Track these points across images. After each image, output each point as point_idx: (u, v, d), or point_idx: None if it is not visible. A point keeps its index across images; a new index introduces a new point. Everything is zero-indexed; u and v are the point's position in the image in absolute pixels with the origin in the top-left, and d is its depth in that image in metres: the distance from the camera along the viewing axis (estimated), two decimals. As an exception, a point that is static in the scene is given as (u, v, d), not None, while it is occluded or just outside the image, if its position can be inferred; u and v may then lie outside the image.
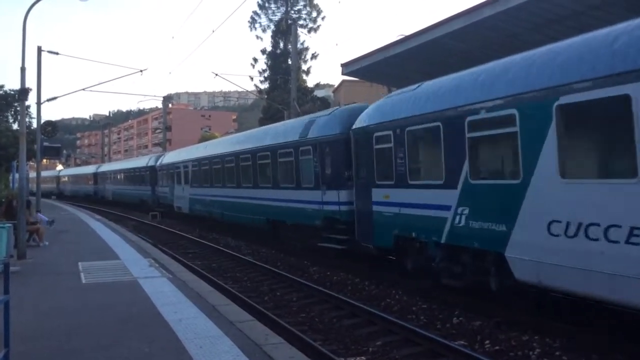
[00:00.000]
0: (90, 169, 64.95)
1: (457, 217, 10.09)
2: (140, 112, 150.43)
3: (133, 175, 44.04)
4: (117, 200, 49.00)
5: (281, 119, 31.98)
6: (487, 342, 8.40)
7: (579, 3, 14.83)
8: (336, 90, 65.25)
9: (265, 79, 56.22)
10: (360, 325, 9.73)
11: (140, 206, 40.62)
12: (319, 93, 58.78)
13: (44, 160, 42.51)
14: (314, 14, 56.28)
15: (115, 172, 51.86)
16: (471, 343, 8.42)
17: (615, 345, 7.71)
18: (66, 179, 77.23)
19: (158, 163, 36.92)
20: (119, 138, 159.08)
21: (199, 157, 28.05)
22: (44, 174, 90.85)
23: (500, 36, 17.19)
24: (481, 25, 16.79)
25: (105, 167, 58.73)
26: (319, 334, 9.35)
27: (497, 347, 8.16)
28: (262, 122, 46.10)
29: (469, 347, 8.18)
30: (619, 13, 13.59)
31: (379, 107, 13.35)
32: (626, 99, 6.96)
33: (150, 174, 38.62)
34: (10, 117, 40.65)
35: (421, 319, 9.93)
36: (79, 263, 13.77)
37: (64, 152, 66.12)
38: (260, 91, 56.54)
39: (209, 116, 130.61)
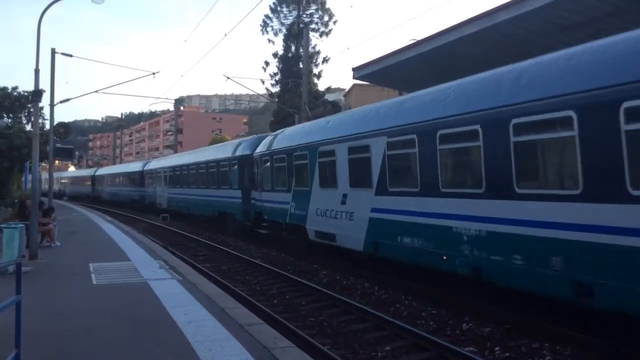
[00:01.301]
0: (135, 167, 49.92)
1: None
2: (152, 115, 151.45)
3: (205, 173, 29.49)
4: (178, 211, 34.53)
5: (292, 123, 31.98)
6: (497, 348, 8.35)
7: (594, 9, 14.76)
8: (347, 94, 65.22)
9: (277, 82, 56.32)
10: (369, 330, 9.71)
11: (221, 223, 26.85)
12: (329, 97, 58.75)
13: (56, 162, 42.79)
14: (326, 18, 56.32)
15: (174, 169, 35.81)
16: (481, 349, 8.38)
17: (625, 352, 7.63)
18: (104, 179, 60.15)
19: (263, 149, 20.93)
20: (130, 140, 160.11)
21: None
22: (73, 173, 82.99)
23: (514, 42, 17.14)
24: (494, 30, 16.76)
25: (156, 164, 42.68)
26: (328, 338, 9.34)
27: (507, 354, 8.11)
28: (273, 125, 46.17)
29: (478, 353, 8.13)
30: (634, 20, 13.52)
31: None
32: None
33: (240, 169, 24.39)
34: (23, 119, 41.08)
35: (431, 325, 9.89)
36: (90, 264, 13.85)
37: (76, 153, 64.84)
38: (271, 94, 56.61)
39: (220, 119, 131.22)
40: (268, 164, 20.05)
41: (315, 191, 16.11)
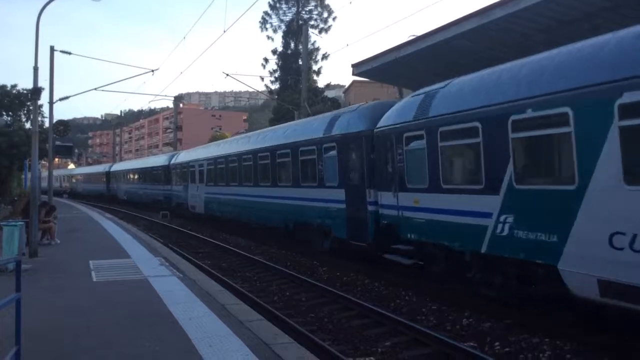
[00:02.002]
0: (159, 160, 40.95)
1: None
2: (152, 112, 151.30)
3: (270, 165, 20.26)
4: (220, 217, 26.49)
5: (291, 119, 31.97)
6: (497, 344, 8.37)
7: (590, 5, 14.75)
8: (347, 90, 65.24)
9: (276, 79, 56.31)
10: (369, 326, 9.72)
11: (299, 238, 18.63)
12: (329, 94, 58.73)
13: (56, 159, 42.77)
14: (325, 15, 56.31)
15: (216, 160, 26.72)
16: (481, 344, 8.39)
17: (626, 350, 7.64)
18: (121, 176, 51.63)
19: (401, 120, 12.76)
20: (130, 137, 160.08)
21: None
22: (84, 170, 73.31)
23: (512, 37, 17.12)
24: (493, 26, 16.73)
25: (189, 155, 33.26)
26: (328, 334, 9.35)
27: (507, 349, 8.13)
28: (273, 122, 46.16)
29: (478, 348, 8.15)
30: (630, 15, 13.53)
31: None
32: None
33: (343, 155, 15.45)
34: (23, 116, 40.98)
35: (431, 320, 9.91)
36: (90, 261, 13.85)
37: (76, 151, 63.75)
38: (270, 91, 56.59)
39: (220, 116, 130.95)
40: (418, 143, 11.94)
41: (612, 192, 7.39)
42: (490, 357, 7.61)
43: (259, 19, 57.95)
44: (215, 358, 6.19)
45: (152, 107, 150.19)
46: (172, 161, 36.28)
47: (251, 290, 12.70)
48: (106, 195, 55.74)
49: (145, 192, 42.45)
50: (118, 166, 56.84)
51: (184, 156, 34.14)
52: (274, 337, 7.04)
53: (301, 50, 41.64)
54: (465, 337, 8.83)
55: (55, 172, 77.01)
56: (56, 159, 40.75)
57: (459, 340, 8.42)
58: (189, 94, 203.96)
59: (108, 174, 56.48)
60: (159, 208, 36.72)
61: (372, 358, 8.02)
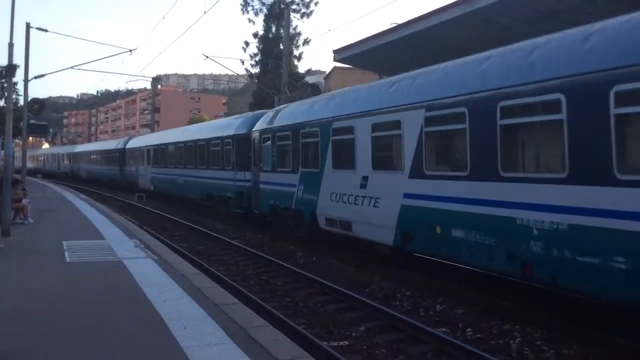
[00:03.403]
0: (227, 126, 23.42)
1: None
2: (129, 93, 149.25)
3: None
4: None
5: (272, 105, 31.77)
6: (469, 330, 8.50)
7: (572, -3, 14.90)
8: (327, 77, 65.08)
9: (257, 63, 55.74)
10: (344, 311, 9.80)
11: None
12: (310, 79, 58.53)
13: (30, 138, 42.00)
14: (307, -1, 55.75)
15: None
16: (453, 330, 8.51)
17: (594, 337, 7.81)
18: (144, 156, 35.72)
19: None
20: (106, 118, 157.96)
21: None
22: (88, 147, 58.26)
23: (494, 28, 17.22)
24: (475, 16, 16.80)
25: (339, 100, 14.45)
26: (304, 318, 9.41)
27: (478, 335, 8.26)
28: (252, 107, 45.83)
29: (450, 334, 8.26)
30: (611, 9, 13.66)
31: None
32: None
33: None
34: (-4, 94, 40.22)
35: (405, 306, 10.02)
36: (64, 242, 13.66)
37: (51, 130, 61.98)
38: (251, 75, 56.09)
39: (199, 99, 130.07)
40: None
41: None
42: (462, 342, 7.72)
43: (240, 1, 57.32)
44: (190, 340, 6.17)
45: (130, 88, 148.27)
46: (261, 126, 19.00)
47: (227, 274, 12.68)
48: (120, 182, 41.76)
49: (189, 180, 27.28)
50: (140, 141, 39.66)
51: (304, 110, 16.27)
52: (249, 321, 7.03)
53: (282, 34, 41.29)
54: (438, 322, 8.95)
55: (47, 151, 75.08)
56: (30, 138, 39.95)
57: (431, 326, 8.54)
58: (167, 76, 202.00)
59: (122, 153, 41.31)
60: (224, 210, 23.37)
61: (346, 342, 8.09)
